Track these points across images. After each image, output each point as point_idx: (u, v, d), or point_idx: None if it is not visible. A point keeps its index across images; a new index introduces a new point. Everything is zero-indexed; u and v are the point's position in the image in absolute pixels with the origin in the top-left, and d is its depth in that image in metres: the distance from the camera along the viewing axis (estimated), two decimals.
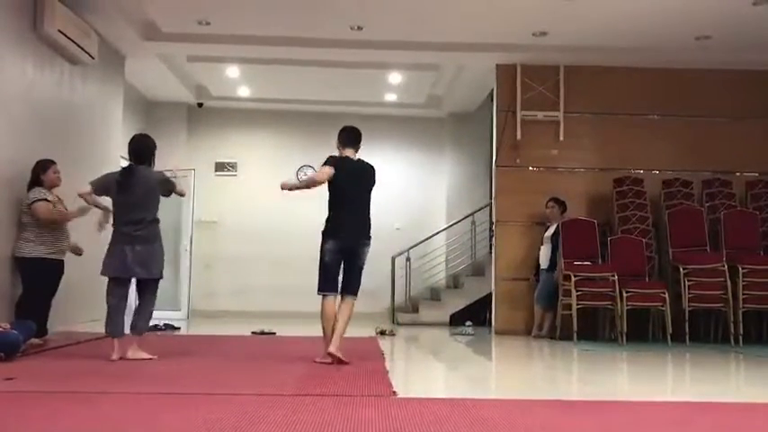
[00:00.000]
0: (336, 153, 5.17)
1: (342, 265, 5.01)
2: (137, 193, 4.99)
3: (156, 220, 5.10)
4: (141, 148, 5.12)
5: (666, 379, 5.27)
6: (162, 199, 5.19)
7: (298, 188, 5.27)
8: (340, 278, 5.00)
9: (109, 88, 8.00)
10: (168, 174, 5.47)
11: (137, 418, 2.99)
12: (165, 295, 10.03)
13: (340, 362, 4.74)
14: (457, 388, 4.51)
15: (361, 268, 5.05)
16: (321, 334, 4.92)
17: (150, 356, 4.89)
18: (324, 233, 5.03)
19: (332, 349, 4.78)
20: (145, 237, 4.95)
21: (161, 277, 5.10)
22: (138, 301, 5.11)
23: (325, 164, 5.03)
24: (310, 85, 9.95)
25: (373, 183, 5.15)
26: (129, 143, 5.18)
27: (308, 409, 3.19)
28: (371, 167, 5.18)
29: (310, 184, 5.12)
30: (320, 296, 4.97)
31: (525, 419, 3.10)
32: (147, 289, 5.06)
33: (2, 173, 5.65)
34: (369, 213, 5.11)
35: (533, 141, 8.29)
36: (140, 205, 4.99)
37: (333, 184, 5.03)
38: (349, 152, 5.15)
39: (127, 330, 5.06)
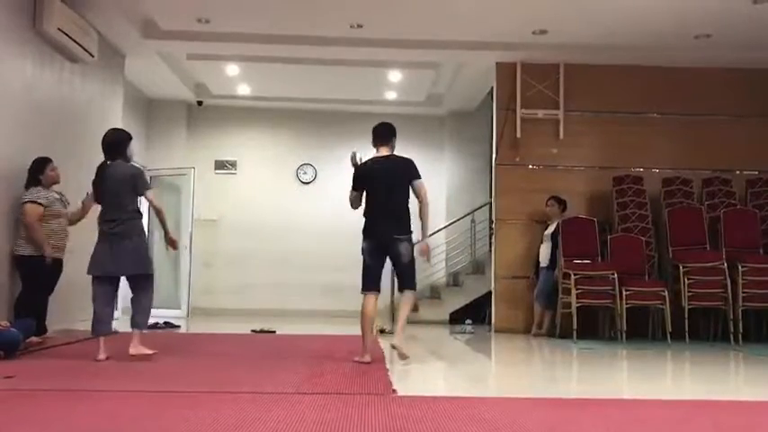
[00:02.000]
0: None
1: (385, 265, 5.08)
2: (109, 191, 4.88)
3: (134, 216, 4.94)
4: (109, 144, 4.99)
5: (666, 377, 5.28)
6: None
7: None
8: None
9: (109, 86, 8.00)
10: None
11: (137, 416, 2.99)
12: (165, 293, 10.11)
13: (402, 355, 4.87)
14: (456, 386, 4.51)
15: (408, 264, 5.03)
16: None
17: (152, 351, 4.81)
18: (362, 234, 5.10)
19: (395, 342, 4.89)
20: (120, 234, 4.82)
21: (144, 273, 4.92)
22: (132, 299, 4.99)
23: (353, 186, 5.14)
24: (310, 84, 9.94)
25: (405, 177, 5.06)
26: (102, 139, 5.05)
27: (308, 407, 3.20)
28: (402, 162, 5.12)
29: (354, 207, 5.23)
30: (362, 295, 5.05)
31: (525, 418, 3.10)
32: (137, 286, 4.94)
33: (1, 170, 5.66)
34: (403, 209, 5.03)
35: (533, 140, 8.29)
36: (113, 202, 4.87)
37: (362, 188, 5.11)
38: (382, 150, 5.16)
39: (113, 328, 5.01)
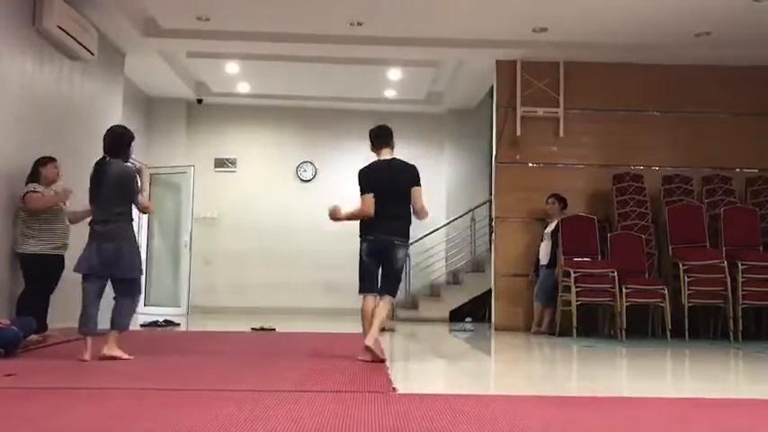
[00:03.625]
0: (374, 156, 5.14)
1: (381, 267, 5.00)
2: (105, 189, 4.73)
3: (127, 217, 4.80)
4: (115, 140, 4.84)
5: (666, 375, 5.28)
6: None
7: (348, 219, 5.11)
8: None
9: (108, 84, 8.00)
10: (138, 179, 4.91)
11: (137, 414, 2.99)
12: (164, 291, 10.12)
13: (374, 358, 4.69)
14: (456, 384, 4.51)
15: (398, 270, 5.00)
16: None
17: (126, 356, 4.63)
18: (359, 235, 5.04)
19: (367, 342, 4.75)
20: (112, 234, 4.68)
21: (131, 277, 4.77)
22: (114, 300, 4.82)
23: (361, 190, 5.00)
24: (310, 81, 9.94)
25: (409, 182, 4.97)
26: (105, 134, 4.90)
27: (308, 404, 3.20)
28: (406, 167, 5.04)
29: (362, 216, 5.01)
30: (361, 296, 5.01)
31: (524, 415, 3.10)
32: (122, 288, 4.79)
33: (1, 168, 5.65)
34: (403, 214, 4.98)
35: (533, 138, 8.30)
36: (108, 201, 4.73)
37: (370, 189, 4.98)
38: (384, 152, 5.10)
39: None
